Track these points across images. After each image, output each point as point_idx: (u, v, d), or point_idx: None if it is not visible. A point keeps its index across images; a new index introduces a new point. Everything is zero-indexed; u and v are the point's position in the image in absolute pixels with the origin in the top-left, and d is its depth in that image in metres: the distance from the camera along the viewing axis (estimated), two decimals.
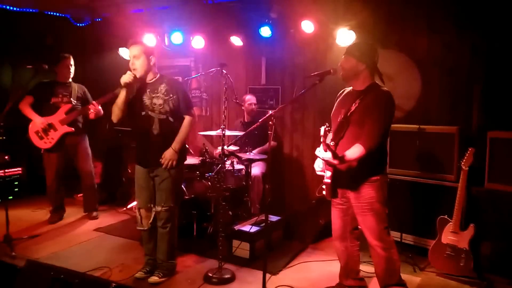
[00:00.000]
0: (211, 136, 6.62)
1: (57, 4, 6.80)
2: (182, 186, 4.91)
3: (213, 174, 5.06)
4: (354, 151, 3.21)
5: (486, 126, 4.39)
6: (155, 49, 6.13)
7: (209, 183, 5.12)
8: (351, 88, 3.55)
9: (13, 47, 6.90)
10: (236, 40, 6.01)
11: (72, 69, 5.68)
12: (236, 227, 4.76)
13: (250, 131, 3.74)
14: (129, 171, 6.56)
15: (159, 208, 4.00)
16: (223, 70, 4.24)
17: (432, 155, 4.55)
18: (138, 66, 3.83)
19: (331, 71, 3.40)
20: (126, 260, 4.54)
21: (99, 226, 5.62)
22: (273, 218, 5.07)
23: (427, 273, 4.27)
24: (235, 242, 4.64)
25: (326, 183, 3.42)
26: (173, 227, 4.10)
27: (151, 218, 4.04)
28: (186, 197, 5.04)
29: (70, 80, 5.70)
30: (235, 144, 5.24)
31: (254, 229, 4.69)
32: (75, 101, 5.60)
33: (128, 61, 3.93)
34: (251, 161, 5.50)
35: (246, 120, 6.13)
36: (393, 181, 4.44)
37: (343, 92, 3.65)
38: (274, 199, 5.91)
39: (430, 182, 4.55)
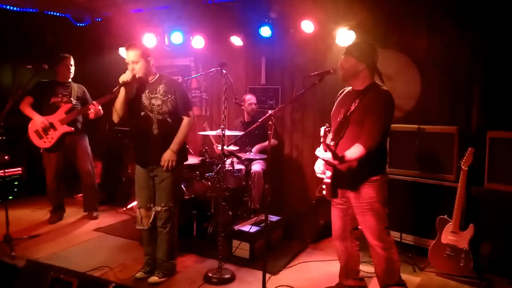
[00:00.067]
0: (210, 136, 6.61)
1: (57, 4, 6.81)
2: (182, 186, 4.91)
3: (213, 174, 5.06)
4: (354, 151, 3.21)
5: (486, 126, 4.39)
6: (153, 49, 6.21)
7: (209, 183, 5.12)
8: (350, 88, 3.55)
9: (13, 47, 6.90)
10: (236, 40, 6.01)
11: (72, 69, 5.68)
12: (236, 227, 4.76)
13: (250, 131, 3.74)
14: (129, 171, 6.56)
15: (158, 208, 4.00)
16: (223, 70, 4.24)
17: (431, 155, 4.55)
18: (138, 70, 3.83)
19: (331, 71, 3.40)
20: (126, 260, 4.54)
21: (99, 226, 5.62)
22: (273, 218, 5.07)
23: (427, 273, 4.27)
24: (235, 242, 4.63)
25: (326, 183, 3.42)
26: (173, 227, 4.10)
27: (151, 218, 4.04)
28: (186, 197, 5.04)
29: (70, 80, 5.70)
30: (235, 144, 5.24)
31: (254, 229, 4.69)
32: (75, 101, 5.60)
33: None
34: (251, 161, 5.51)
35: (246, 120, 6.13)
36: (392, 181, 4.44)
37: (343, 92, 3.65)
38: (274, 199, 5.92)
39: (430, 182, 4.55)
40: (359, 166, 3.34)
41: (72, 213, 6.12)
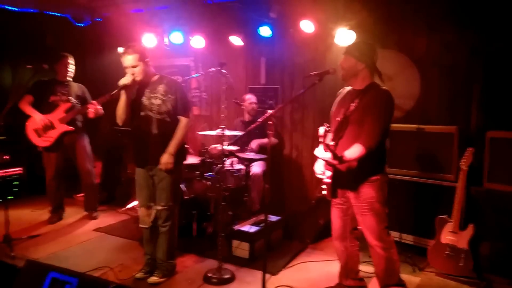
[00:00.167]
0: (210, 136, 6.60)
1: (57, 4, 6.80)
2: (182, 186, 4.91)
3: (213, 174, 5.06)
4: (354, 151, 3.21)
5: (485, 126, 4.39)
6: (153, 49, 6.22)
7: (209, 183, 5.12)
8: (350, 87, 3.55)
9: (13, 47, 6.91)
10: (236, 40, 6.01)
11: (72, 68, 5.69)
12: (236, 227, 4.76)
13: (250, 131, 3.74)
14: (129, 171, 6.56)
15: (158, 207, 4.01)
16: (223, 70, 4.25)
17: (431, 155, 4.55)
18: (137, 74, 3.83)
19: (331, 70, 3.41)
20: (126, 260, 4.54)
21: (99, 226, 5.63)
22: (273, 218, 5.08)
23: (427, 273, 4.27)
24: (235, 242, 4.64)
25: (326, 183, 3.43)
26: (173, 226, 4.10)
27: (152, 217, 4.05)
28: (186, 197, 5.04)
29: (70, 79, 5.70)
30: (235, 143, 5.23)
31: (253, 229, 4.70)
32: (74, 100, 5.60)
33: None
34: (251, 160, 5.50)
35: (246, 120, 6.12)
36: (392, 181, 4.40)
37: (342, 91, 3.65)
38: (273, 199, 5.91)
39: (429, 182, 4.55)
40: (359, 166, 3.34)
41: (72, 213, 6.12)
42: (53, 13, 7.11)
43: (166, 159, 3.89)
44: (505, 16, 4.43)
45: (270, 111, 3.38)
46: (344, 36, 5.05)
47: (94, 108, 5.18)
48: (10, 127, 4.79)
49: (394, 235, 4.31)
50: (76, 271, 3.17)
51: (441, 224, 4.17)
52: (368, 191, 3.38)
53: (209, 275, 4.11)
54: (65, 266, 3.40)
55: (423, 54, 5.03)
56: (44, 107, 5.49)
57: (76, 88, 5.70)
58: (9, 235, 4.68)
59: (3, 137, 4.61)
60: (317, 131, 3.14)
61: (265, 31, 5.60)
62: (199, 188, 5.22)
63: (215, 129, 4.57)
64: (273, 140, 3.42)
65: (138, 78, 3.84)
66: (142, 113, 3.93)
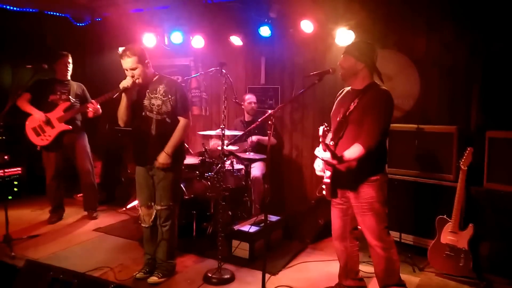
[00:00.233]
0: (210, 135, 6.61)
1: (57, 4, 6.81)
2: (182, 186, 4.91)
3: (212, 174, 5.06)
4: (353, 151, 3.21)
5: (485, 126, 4.39)
6: (153, 49, 6.22)
7: (209, 183, 5.12)
8: (350, 87, 3.55)
9: (13, 47, 6.90)
10: (236, 40, 6.02)
11: (70, 67, 5.68)
12: (236, 227, 4.76)
13: (250, 131, 3.74)
14: (129, 171, 6.57)
15: (158, 207, 4.01)
16: (223, 70, 4.24)
17: (431, 154, 4.55)
18: (137, 76, 3.83)
19: (330, 70, 3.41)
20: (126, 260, 4.54)
21: (99, 226, 5.62)
22: (273, 218, 5.08)
23: (427, 273, 4.27)
24: (235, 242, 4.63)
25: (325, 183, 3.42)
26: (173, 225, 4.10)
27: (153, 216, 4.05)
28: (186, 197, 5.04)
29: (69, 78, 5.70)
30: (234, 143, 5.24)
31: (253, 229, 4.69)
32: (74, 99, 5.60)
33: None
34: (250, 161, 5.50)
35: (246, 119, 6.13)
36: (392, 181, 4.43)
37: (342, 91, 3.65)
38: (273, 199, 5.91)
39: (429, 182, 4.55)
40: (359, 166, 3.33)
41: (71, 213, 6.12)
42: (53, 13, 7.12)
43: (163, 158, 3.90)
44: (504, 16, 4.43)
45: (270, 111, 3.38)
46: (344, 36, 5.06)
47: (93, 108, 5.18)
48: (10, 127, 4.78)
49: (394, 235, 4.30)
50: (76, 271, 3.18)
51: (441, 224, 4.17)
52: (368, 191, 3.38)
53: (209, 275, 4.10)
54: (65, 266, 3.42)
55: (423, 54, 5.04)
56: (44, 106, 5.48)
57: (76, 87, 5.70)
58: (9, 235, 4.68)
59: (2, 137, 4.61)
60: (317, 131, 3.14)
61: (265, 31, 5.60)
62: (199, 188, 5.22)
63: (215, 129, 4.57)
64: (272, 140, 3.41)
65: (138, 81, 3.84)
66: (143, 114, 3.94)
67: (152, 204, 4.05)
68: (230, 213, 5.10)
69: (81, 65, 6.94)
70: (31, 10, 6.85)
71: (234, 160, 5.27)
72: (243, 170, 5.33)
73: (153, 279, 4.04)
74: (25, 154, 6.67)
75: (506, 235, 4.05)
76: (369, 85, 3.40)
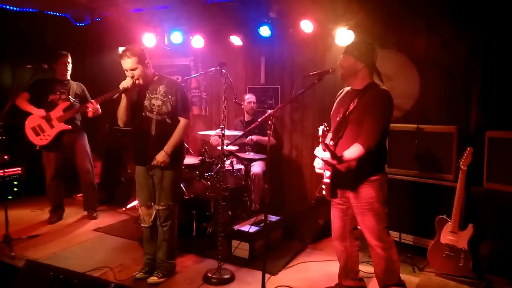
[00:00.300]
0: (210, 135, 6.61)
1: (57, 4, 6.82)
2: (182, 186, 4.91)
3: (212, 173, 5.06)
4: (353, 151, 3.20)
5: (485, 126, 4.39)
6: (153, 49, 6.22)
7: (209, 183, 5.12)
8: (350, 87, 3.55)
9: (13, 47, 6.90)
10: (236, 40, 6.02)
11: (70, 67, 5.68)
12: (236, 227, 4.76)
13: (250, 131, 3.74)
14: (129, 171, 6.57)
15: (158, 207, 4.01)
16: (223, 70, 4.24)
17: (430, 154, 4.55)
18: (137, 76, 3.83)
19: (330, 70, 3.40)
20: (126, 260, 4.54)
21: (99, 226, 5.62)
22: (273, 218, 5.08)
23: (426, 273, 4.27)
24: (235, 242, 4.64)
25: (325, 183, 3.42)
26: (173, 225, 4.10)
27: (152, 216, 4.05)
28: (186, 197, 5.04)
29: (69, 78, 5.70)
30: (234, 143, 5.24)
31: (253, 229, 4.69)
32: (73, 99, 5.59)
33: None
34: (250, 160, 5.50)
35: (246, 119, 6.13)
36: (391, 181, 4.43)
37: (342, 91, 3.65)
38: (273, 199, 5.92)
39: (429, 182, 4.55)
40: (358, 166, 3.33)
41: (71, 213, 6.12)
42: (53, 13, 7.12)
43: (161, 156, 3.90)
44: (504, 16, 4.43)
45: (269, 111, 3.38)
46: (344, 36, 5.07)
47: (93, 108, 5.17)
48: (9, 127, 4.78)
49: (394, 235, 4.29)
50: (76, 271, 3.18)
51: (441, 224, 4.17)
52: (367, 191, 3.38)
53: (209, 275, 4.10)
54: (65, 266, 3.43)
55: (422, 54, 5.04)
56: (43, 105, 5.47)
57: (75, 87, 5.69)
58: (9, 235, 4.68)
59: (2, 137, 4.61)
60: (317, 130, 3.14)
61: (264, 31, 5.60)
62: (199, 188, 5.22)
63: (215, 129, 4.57)
64: (271, 140, 3.41)
65: (138, 81, 3.84)
66: (143, 114, 3.94)
67: (152, 204, 4.05)
68: (230, 213, 5.10)
69: (81, 65, 6.94)
70: (31, 10, 6.86)
71: (234, 160, 5.27)
72: (243, 170, 5.33)
73: (153, 279, 4.04)
74: (25, 154, 6.68)
75: (506, 235, 4.05)
76: (368, 85, 3.40)
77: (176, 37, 6.22)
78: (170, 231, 4.07)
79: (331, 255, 4.47)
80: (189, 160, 5.31)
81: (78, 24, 7.31)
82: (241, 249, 4.58)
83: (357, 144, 3.21)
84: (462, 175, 4.05)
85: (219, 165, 4.56)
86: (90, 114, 5.30)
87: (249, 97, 6.06)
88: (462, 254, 4.02)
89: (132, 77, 3.81)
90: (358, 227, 3.60)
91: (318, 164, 3.51)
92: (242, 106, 6.06)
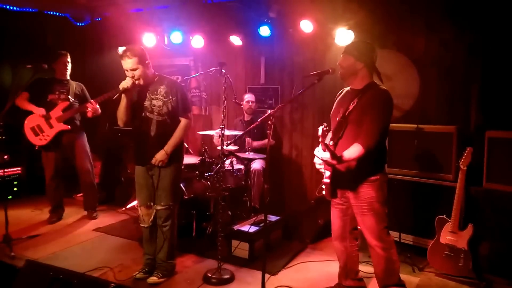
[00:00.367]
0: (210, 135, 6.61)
1: (57, 4, 6.81)
2: (182, 185, 4.91)
3: (212, 173, 5.06)
4: (353, 151, 3.20)
5: (484, 126, 4.39)
6: (152, 49, 6.22)
7: (209, 182, 5.12)
8: (350, 87, 3.55)
9: (13, 47, 6.90)
10: (235, 40, 6.02)
11: (69, 66, 5.67)
12: (235, 227, 4.76)
13: (249, 131, 3.74)
14: (129, 171, 6.57)
15: (158, 207, 4.01)
16: (222, 70, 4.24)
17: (430, 154, 4.55)
18: (138, 77, 3.83)
19: (330, 70, 3.40)
20: (125, 260, 4.54)
21: (98, 226, 5.62)
22: (272, 218, 5.08)
23: (426, 273, 4.27)
24: (234, 242, 4.64)
25: (325, 183, 3.42)
26: (173, 225, 4.11)
27: (152, 216, 4.05)
28: (186, 197, 5.04)
29: (68, 77, 5.69)
30: (234, 143, 5.24)
31: (253, 229, 4.69)
32: (73, 99, 5.58)
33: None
34: (250, 160, 5.50)
35: (246, 119, 6.13)
36: (391, 180, 4.42)
37: (342, 91, 3.65)
38: (273, 199, 5.92)
39: (429, 182, 4.55)
40: (358, 166, 3.33)
41: (71, 213, 6.12)
42: (53, 13, 7.12)
43: (161, 156, 3.91)
44: (503, 16, 4.43)
45: (269, 111, 3.38)
46: (343, 36, 5.07)
47: (92, 108, 5.17)
48: (10, 126, 4.78)
49: (394, 235, 4.29)
50: (76, 271, 3.18)
51: (441, 224, 4.17)
52: (367, 191, 3.38)
53: (209, 275, 4.10)
54: (64, 266, 3.43)
55: (422, 54, 5.04)
56: (42, 105, 5.46)
57: (75, 86, 5.68)
58: (9, 235, 4.68)
59: (2, 137, 4.61)
60: (316, 130, 3.14)
61: (264, 30, 5.61)
62: (198, 188, 5.22)
63: (215, 129, 4.57)
64: (271, 141, 3.41)
65: (138, 82, 3.84)
66: (143, 114, 3.94)
67: (152, 204, 4.05)
68: (229, 213, 5.10)
69: (81, 64, 6.94)
70: (31, 10, 6.86)
71: (234, 160, 5.27)
72: (242, 170, 5.33)
73: (153, 279, 4.04)
74: (25, 154, 6.68)
75: (506, 235, 4.05)
76: (368, 85, 3.40)
77: (176, 37, 6.22)
78: (170, 231, 4.07)
79: (331, 255, 4.47)
80: (189, 160, 5.32)
81: (78, 24, 7.31)
82: (241, 249, 4.58)
83: (356, 144, 3.21)
84: (462, 175, 4.05)
85: (219, 165, 4.56)
86: (89, 114, 5.30)
87: (247, 97, 6.07)
88: (462, 254, 4.02)
89: (133, 77, 3.81)
90: (358, 227, 3.60)
91: (318, 160, 3.51)
92: (242, 106, 6.07)
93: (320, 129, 3.12)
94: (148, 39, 6.36)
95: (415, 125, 4.63)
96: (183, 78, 6.50)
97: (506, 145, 4.10)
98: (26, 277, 3.14)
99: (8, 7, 6.62)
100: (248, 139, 5.70)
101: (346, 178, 3.41)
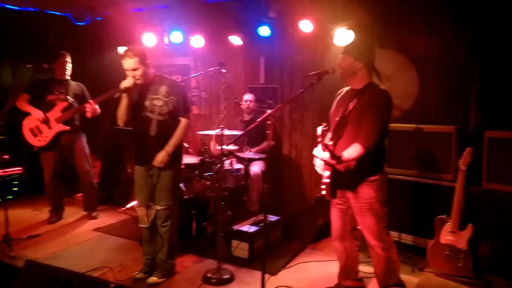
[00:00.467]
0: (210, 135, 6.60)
1: (58, 3, 6.82)
2: (182, 185, 4.92)
3: (212, 173, 5.06)
4: (352, 151, 3.20)
5: (484, 126, 4.40)
6: (152, 48, 6.22)
7: (208, 182, 5.12)
8: (349, 87, 3.55)
9: (13, 46, 6.90)
10: (235, 39, 6.01)
11: (69, 66, 5.66)
12: (235, 227, 4.76)
13: (249, 131, 3.74)
14: (129, 170, 6.56)
15: (158, 207, 4.01)
16: (222, 69, 4.25)
17: (429, 154, 4.55)
18: (139, 77, 3.83)
19: (329, 70, 3.41)
20: (125, 260, 4.55)
21: (98, 226, 5.63)
22: (272, 218, 5.07)
23: (426, 274, 4.27)
24: (234, 242, 4.64)
25: (325, 183, 3.42)
26: (173, 225, 4.11)
27: (152, 216, 4.05)
28: (185, 197, 5.04)
29: (68, 78, 5.68)
30: (234, 143, 5.23)
31: (253, 229, 4.69)
32: (72, 99, 5.57)
33: None
34: (250, 160, 5.50)
35: (245, 119, 6.12)
36: (391, 180, 4.41)
37: (341, 91, 3.65)
38: (273, 199, 5.91)
39: (428, 182, 4.55)
40: (358, 166, 3.33)
41: (71, 213, 6.12)
42: (53, 12, 7.13)
43: (162, 157, 3.91)
44: (503, 16, 4.43)
45: (269, 111, 3.38)
46: (343, 36, 5.06)
47: (91, 108, 5.17)
48: (10, 126, 4.78)
49: (394, 235, 4.30)
50: (76, 272, 3.18)
51: (440, 224, 4.17)
52: (367, 191, 3.38)
53: (209, 275, 4.11)
54: (64, 266, 3.42)
55: (421, 53, 5.03)
56: (41, 106, 5.45)
57: (75, 86, 5.67)
58: (9, 235, 4.68)
59: (2, 137, 4.61)
60: (316, 130, 3.14)
61: (264, 30, 5.60)
62: (198, 188, 5.22)
63: (215, 129, 4.57)
64: (271, 142, 3.41)
65: (139, 81, 3.84)
66: (143, 114, 3.94)
67: (151, 204, 4.05)
68: (229, 213, 5.10)
69: (81, 64, 6.93)
70: (31, 9, 6.86)
71: (234, 159, 5.27)
72: (242, 170, 5.33)
73: (153, 279, 4.05)
74: (25, 154, 6.67)
75: (506, 235, 4.05)
76: (367, 85, 3.41)
77: (176, 36, 6.22)
78: (169, 231, 4.08)
79: (330, 255, 4.47)
80: (189, 160, 5.32)
81: (78, 23, 7.32)
82: (241, 249, 4.58)
83: (356, 144, 3.22)
84: (461, 175, 4.05)
85: (219, 165, 4.56)
86: (88, 115, 5.30)
87: (245, 96, 6.06)
88: (461, 254, 4.02)
89: (134, 77, 3.81)
90: (358, 227, 3.60)
91: (318, 162, 3.51)
92: (241, 106, 6.06)
93: (319, 129, 3.13)
94: (148, 39, 6.35)
95: (414, 125, 4.63)
96: (183, 77, 6.49)
97: (505, 145, 4.10)
98: (26, 277, 3.14)
99: (8, 6, 6.62)
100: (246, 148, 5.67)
101: (346, 178, 3.41)
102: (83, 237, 5.27)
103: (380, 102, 3.30)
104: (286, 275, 4.28)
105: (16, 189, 6.79)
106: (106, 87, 4.72)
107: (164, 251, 4.10)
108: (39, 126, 5.43)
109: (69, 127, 5.49)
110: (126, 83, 3.79)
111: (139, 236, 4.58)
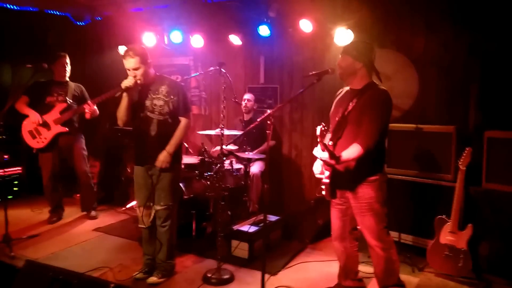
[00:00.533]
0: (209, 135, 6.60)
1: (58, 3, 6.81)
2: (181, 185, 4.91)
3: (212, 173, 5.06)
4: (352, 151, 3.20)
5: (483, 126, 4.40)
6: (152, 48, 6.22)
7: (208, 182, 5.12)
8: (349, 87, 3.55)
9: (13, 46, 6.90)
10: (235, 39, 6.01)
11: (68, 68, 5.65)
12: (235, 227, 4.76)
13: (249, 131, 3.74)
14: (129, 170, 6.56)
15: (158, 207, 4.01)
16: (222, 69, 4.24)
17: (429, 154, 4.55)
18: (139, 76, 3.83)
19: (329, 70, 3.40)
20: (125, 260, 4.55)
21: (98, 226, 5.63)
22: (272, 218, 5.07)
23: (426, 274, 4.27)
24: (234, 242, 4.64)
25: (325, 183, 3.42)
26: (173, 225, 4.11)
27: (151, 216, 4.05)
28: (185, 197, 5.04)
29: (67, 79, 5.68)
30: (234, 143, 5.24)
31: (253, 229, 4.69)
32: (71, 100, 5.55)
33: None
34: (250, 160, 5.50)
35: (245, 119, 6.12)
36: (390, 180, 4.41)
37: (341, 91, 3.65)
38: (272, 199, 5.91)
39: (428, 182, 4.55)
40: (357, 166, 3.33)
41: (71, 213, 6.12)
42: (53, 12, 7.12)
43: (163, 157, 3.91)
44: (502, 16, 4.43)
45: (269, 111, 3.38)
46: (342, 36, 5.06)
47: (89, 109, 5.15)
48: (10, 126, 4.78)
49: (393, 235, 4.29)
50: (75, 272, 3.18)
51: (440, 224, 4.17)
52: (367, 191, 3.38)
53: (209, 275, 4.11)
54: (64, 266, 3.42)
55: (421, 53, 5.03)
56: (41, 108, 5.44)
57: (74, 88, 5.66)
58: (9, 235, 4.68)
59: (2, 137, 4.61)
60: (316, 130, 3.14)
61: (264, 30, 5.60)
62: (198, 188, 5.22)
63: (215, 129, 4.57)
64: (271, 142, 3.41)
65: (140, 81, 3.84)
66: (143, 114, 3.94)
67: (151, 204, 4.05)
68: (229, 213, 5.10)
69: (81, 64, 6.94)
70: (31, 9, 6.85)
71: (234, 159, 5.27)
72: (242, 170, 5.33)
73: (153, 279, 4.05)
74: (25, 154, 6.66)
75: (505, 235, 4.05)
76: (367, 84, 3.40)
77: (176, 36, 6.22)
78: (169, 231, 4.08)
79: (330, 255, 4.47)
80: (188, 159, 5.32)
81: (78, 23, 7.31)
82: (241, 249, 4.58)
83: (356, 144, 3.21)
84: (461, 175, 4.05)
85: (219, 165, 4.56)
86: (87, 116, 5.29)
87: (245, 96, 6.06)
88: (461, 254, 4.02)
89: (134, 76, 3.82)
90: (358, 227, 3.60)
91: (317, 170, 3.51)
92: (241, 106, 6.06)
93: (318, 129, 3.12)
94: (148, 39, 6.35)
95: (414, 125, 4.63)
96: (183, 77, 6.49)
97: (505, 145, 4.09)
98: (26, 277, 3.14)
99: (8, 6, 6.61)
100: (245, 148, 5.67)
101: (346, 178, 3.41)
102: (83, 237, 5.26)
103: (380, 102, 3.30)
104: (286, 275, 4.28)
105: (16, 189, 6.80)
106: (106, 87, 4.72)
107: (164, 251, 4.10)
108: (38, 128, 5.42)
109: (67, 129, 5.48)
110: (127, 83, 3.79)
111: (139, 236, 4.58)
